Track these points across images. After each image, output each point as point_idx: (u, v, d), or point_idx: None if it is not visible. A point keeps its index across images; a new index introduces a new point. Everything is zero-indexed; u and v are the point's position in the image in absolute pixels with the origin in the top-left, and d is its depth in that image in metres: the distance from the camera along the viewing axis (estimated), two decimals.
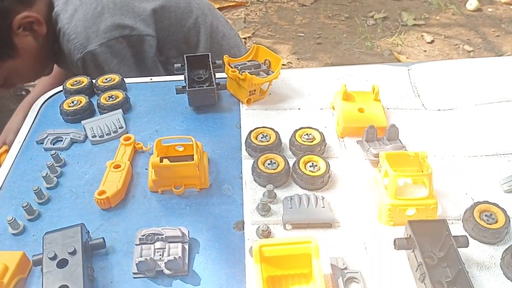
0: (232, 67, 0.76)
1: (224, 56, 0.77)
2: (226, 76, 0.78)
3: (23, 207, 0.59)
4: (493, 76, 0.82)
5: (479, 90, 0.79)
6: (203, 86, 0.78)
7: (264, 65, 0.79)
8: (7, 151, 1.03)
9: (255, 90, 0.76)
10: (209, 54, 0.81)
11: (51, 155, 0.66)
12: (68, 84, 0.80)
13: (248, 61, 0.80)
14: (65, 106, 0.75)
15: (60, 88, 0.83)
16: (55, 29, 0.94)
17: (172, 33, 1.02)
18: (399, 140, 0.68)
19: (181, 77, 0.82)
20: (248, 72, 0.75)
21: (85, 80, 0.81)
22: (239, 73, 0.74)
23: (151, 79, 0.85)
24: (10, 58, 0.93)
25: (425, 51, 2.51)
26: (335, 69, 0.85)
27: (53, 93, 0.83)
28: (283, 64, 2.33)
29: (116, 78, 0.81)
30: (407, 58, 2.45)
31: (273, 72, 0.77)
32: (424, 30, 2.66)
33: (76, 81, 0.81)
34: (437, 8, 2.82)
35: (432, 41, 2.57)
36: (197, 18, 1.06)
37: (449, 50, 2.51)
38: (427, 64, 0.85)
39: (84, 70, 0.93)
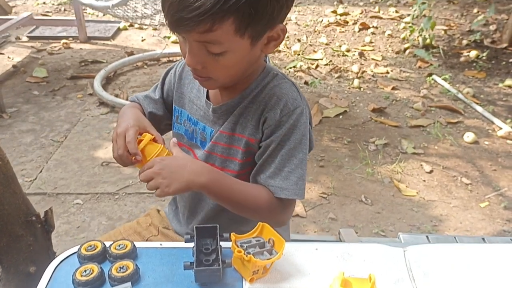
0: (238, 246, 0.82)
1: (232, 234, 0.83)
2: (231, 246, 0.83)
3: None
4: (483, 264, 0.86)
5: (473, 278, 0.83)
6: (210, 260, 0.83)
7: (269, 243, 0.84)
8: (153, 139, 0.99)
9: (258, 270, 0.81)
10: (217, 226, 0.87)
11: None
12: (83, 248, 0.85)
13: (254, 237, 0.85)
14: (77, 276, 0.79)
15: (75, 249, 0.87)
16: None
17: None
18: None
19: (188, 244, 0.87)
20: (253, 251, 0.80)
21: (99, 245, 0.86)
22: (244, 254, 0.79)
23: (161, 244, 0.90)
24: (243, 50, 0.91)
25: (424, 180, 2.60)
26: (334, 246, 0.90)
27: (66, 255, 0.87)
28: None
29: (129, 245, 0.86)
30: (406, 186, 2.53)
31: (276, 252, 0.82)
32: (423, 159, 2.77)
33: (90, 245, 0.86)
34: (435, 138, 2.96)
35: (431, 171, 2.66)
36: None
37: (447, 181, 2.59)
38: (422, 247, 0.90)
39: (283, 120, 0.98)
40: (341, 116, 3.22)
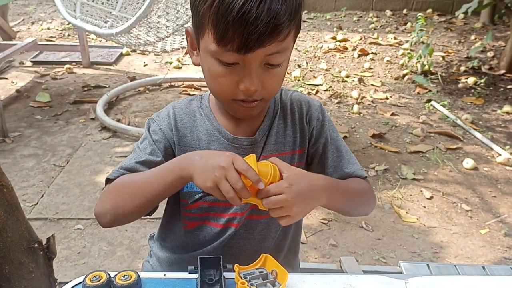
0: (241, 277, 0.83)
1: (235, 266, 0.84)
2: (234, 277, 0.85)
3: None
4: None
5: None
6: None
7: (272, 275, 0.85)
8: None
9: None
10: (221, 257, 0.88)
11: None
12: (88, 279, 0.86)
13: (257, 268, 0.86)
14: None
15: (80, 279, 0.88)
16: None
17: None
18: None
19: (191, 275, 0.88)
20: (256, 283, 0.81)
21: (103, 276, 0.87)
22: (247, 285, 0.80)
23: (164, 274, 0.91)
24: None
25: (424, 207, 2.61)
26: (337, 277, 0.91)
27: (72, 285, 0.88)
28: None
29: (133, 275, 0.87)
30: (406, 213, 2.54)
31: (279, 284, 0.83)
32: (423, 185, 2.78)
33: (95, 276, 0.87)
34: (435, 164, 2.98)
35: (431, 197, 2.67)
36: None
37: (447, 207, 2.60)
38: (424, 279, 0.91)
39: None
40: None
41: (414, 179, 2.83)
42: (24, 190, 2.65)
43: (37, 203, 2.54)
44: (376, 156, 3.08)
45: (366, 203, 1.10)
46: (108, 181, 1.02)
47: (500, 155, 3.04)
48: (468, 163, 2.93)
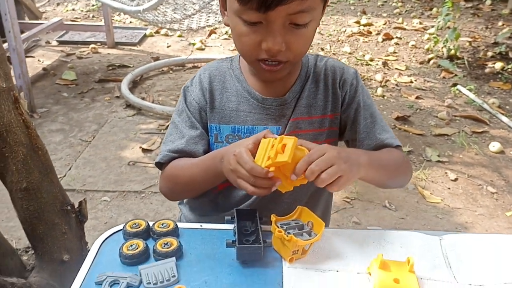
0: (278, 227, 0.84)
1: (272, 216, 0.85)
2: (270, 229, 0.86)
3: None
4: None
5: (508, 267, 0.84)
6: (250, 240, 0.85)
7: (307, 226, 0.86)
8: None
9: (297, 250, 0.83)
10: (257, 209, 0.89)
11: None
12: (128, 226, 0.89)
13: (293, 220, 0.88)
14: (124, 250, 0.82)
15: (120, 227, 0.91)
16: None
17: None
18: None
19: (227, 226, 0.90)
20: (292, 232, 0.82)
21: (143, 223, 0.89)
22: (285, 234, 0.81)
23: (201, 225, 0.93)
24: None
25: (448, 188, 2.58)
26: (372, 232, 0.92)
27: (112, 232, 0.91)
28: None
29: (171, 224, 0.89)
30: (431, 193, 2.52)
31: (315, 234, 0.84)
32: (448, 167, 2.75)
33: (135, 223, 0.89)
34: (460, 147, 2.95)
35: (455, 179, 2.65)
36: None
37: (472, 189, 2.57)
38: (458, 236, 0.91)
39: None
40: None
41: (438, 161, 2.80)
42: (52, 163, 2.69)
43: (65, 175, 2.59)
44: (400, 138, 3.03)
45: (403, 175, 1.09)
46: (159, 164, 1.08)
47: None
48: (495, 146, 2.88)
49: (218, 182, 1.02)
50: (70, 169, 2.66)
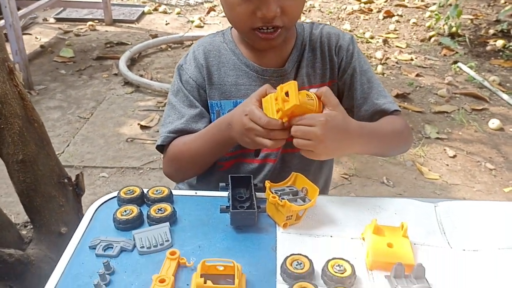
0: (272, 192, 0.84)
1: (266, 182, 0.85)
2: (264, 196, 0.86)
3: None
4: None
5: (503, 234, 0.84)
6: (244, 206, 0.85)
7: (302, 192, 0.86)
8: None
9: (291, 216, 0.83)
10: (251, 176, 0.89)
11: (103, 263, 0.72)
12: (122, 192, 0.88)
13: (287, 186, 0.87)
14: (118, 215, 0.82)
15: (114, 194, 0.91)
16: None
17: None
18: (426, 279, 0.73)
19: (221, 193, 0.90)
20: (287, 198, 0.82)
21: (137, 190, 0.89)
22: (279, 199, 0.81)
23: (196, 192, 0.93)
24: None
25: (447, 165, 2.58)
26: (366, 200, 0.92)
27: (107, 198, 0.91)
28: None
29: (165, 190, 0.89)
30: (429, 170, 2.52)
31: (309, 200, 0.84)
32: (447, 144, 2.75)
33: (129, 190, 0.89)
34: (459, 124, 2.94)
35: (454, 156, 2.64)
36: None
37: (471, 166, 2.57)
38: (452, 203, 0.91)
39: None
40: None
41: (437, 138, 2.80)
42: (51, 140, 2.69)
43: (63, 152, 2.59)
44: None
45: (404, 143, 1.07)
46: (160, 148, 1.05)
47: None
48: (494, 123, 2.87)
49: (225, 151, 1.01)
50: (68, 145, 2.66)
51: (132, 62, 3.71)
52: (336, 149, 0.86)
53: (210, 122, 1.04)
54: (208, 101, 1.05)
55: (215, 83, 1.04)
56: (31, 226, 1.63)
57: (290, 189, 0.87)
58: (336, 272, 0.72)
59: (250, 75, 1.04)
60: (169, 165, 1.06)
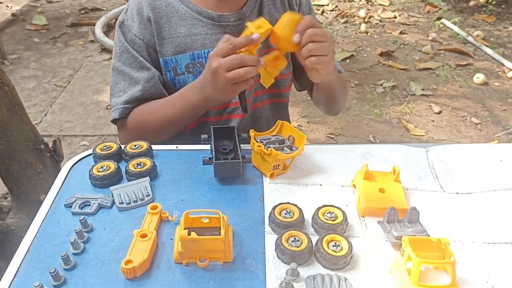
0: (257, 141, 0.79)
1: (251, 131, 0.80)
2: (249, 148, 0.81)
3: (50, 273, 0.60)
4: (510, 162, 0.84)
5: (496, 175, 0.81)
6: (228, 158, 0.81)
7: (288, 140, 0.82)
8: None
9: (278, 165, 0.79)
10: (235, 126, 0.84)
11: (80, 220, 0.68)
12: (98, 148, 0.83)
13: (273, 135, 0.83)
14: (94, 171, 0.77)
15: (89, 151, 0.85)
16: None
17: None
18: (420, 223, 0.70)
19: (204, 147, 0.85)
20: (273, 147, 0.78)
21: (114, 146, 0.84)
22: (264, 148, 0.77)
23: (177, 147, 0.88)
24: None
25: (433, 121, 2.57)
26: (355, 147, 0.88)
27: (82, 156, 0.86)
28: None
29: (144, 145, 0.84)
30: (415, 127, 2.51)
31: (296, 148, 0.80)
32: (432, 100, 2.73)
33: (105, 146, 0.84)
34: (444, 80, 2.91)
35: (440, 112, 2.63)
36: None
37: (456, 121, 2.56)
38: (444, 147, 0.88)
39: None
40: (348, 60, 3.15)
41: (422, 94, 2.77)
42: (27, 110, 2.57)
43: (40, 121, 2.50)
44: (384, 73, 3.00)
45: (345, 95, 1.11)
46: (117, 121, 0.96)
47: (511, 70, 2.96)
48: (479, 78, 2.85)
49: (200, 113, 0.94)
50: (46, 115, 2.57)
51: (109, 28, 3.58)
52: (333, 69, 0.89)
53: (165, 83, 0.96)
54: (161, 60, 0.95)
55: (166, 37, 0.94)
56: (11, 197, 1.57)
57: (276, 138, 0.82)
58: (327, 220, 0.69)
59: (205, 22, 0.95)
60: (130, 136, 0.95)
